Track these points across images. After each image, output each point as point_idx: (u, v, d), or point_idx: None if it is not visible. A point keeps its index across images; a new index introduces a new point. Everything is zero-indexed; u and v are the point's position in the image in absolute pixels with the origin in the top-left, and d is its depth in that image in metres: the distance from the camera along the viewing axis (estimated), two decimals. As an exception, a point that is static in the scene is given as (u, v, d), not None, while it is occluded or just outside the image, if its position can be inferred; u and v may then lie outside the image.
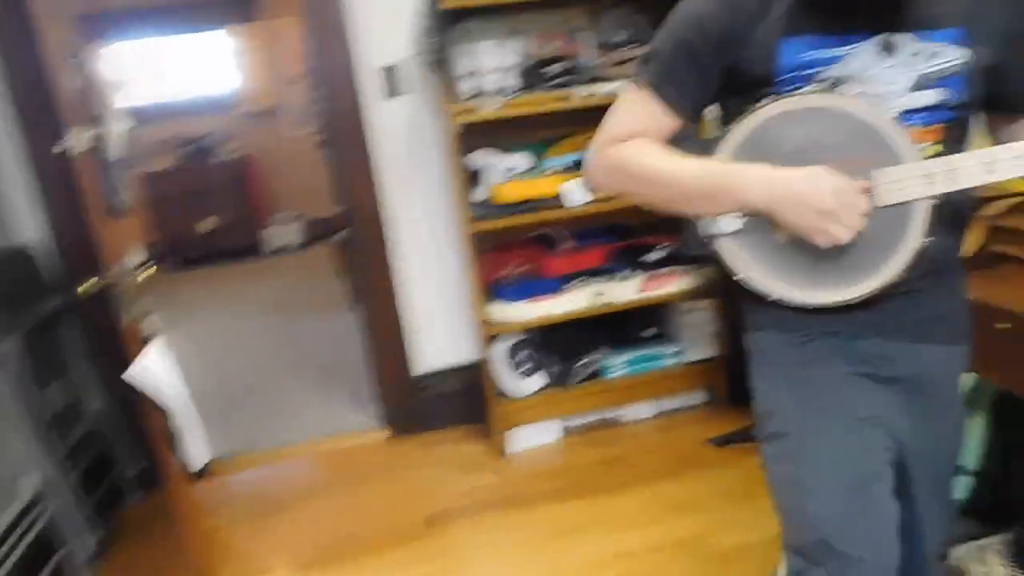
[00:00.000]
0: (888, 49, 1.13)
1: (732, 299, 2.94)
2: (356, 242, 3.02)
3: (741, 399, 3.00)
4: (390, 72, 2.85)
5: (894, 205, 1.11)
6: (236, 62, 6.90)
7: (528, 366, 2.98)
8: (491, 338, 2.89)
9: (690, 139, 1.33)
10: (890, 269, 1.15)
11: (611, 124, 1.30)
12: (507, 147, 2.90)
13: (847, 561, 1.16)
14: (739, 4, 1.17)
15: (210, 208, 6.67)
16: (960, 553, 1.42)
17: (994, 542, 1.41)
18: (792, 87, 1.15)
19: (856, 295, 1.18)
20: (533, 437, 3.01)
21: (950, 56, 1.12)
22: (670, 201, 1.26)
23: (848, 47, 1.13)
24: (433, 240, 3.07)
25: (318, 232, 6.78)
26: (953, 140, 1.17)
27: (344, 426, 3.35)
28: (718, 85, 1.23)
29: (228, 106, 6.93)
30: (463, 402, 3.16)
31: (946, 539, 1.37)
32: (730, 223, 1.21)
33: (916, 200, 1.11)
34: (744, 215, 1.19)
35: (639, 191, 1.28)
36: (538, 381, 2.99)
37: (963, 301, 1.31)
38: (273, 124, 7.03)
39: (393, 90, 2.86)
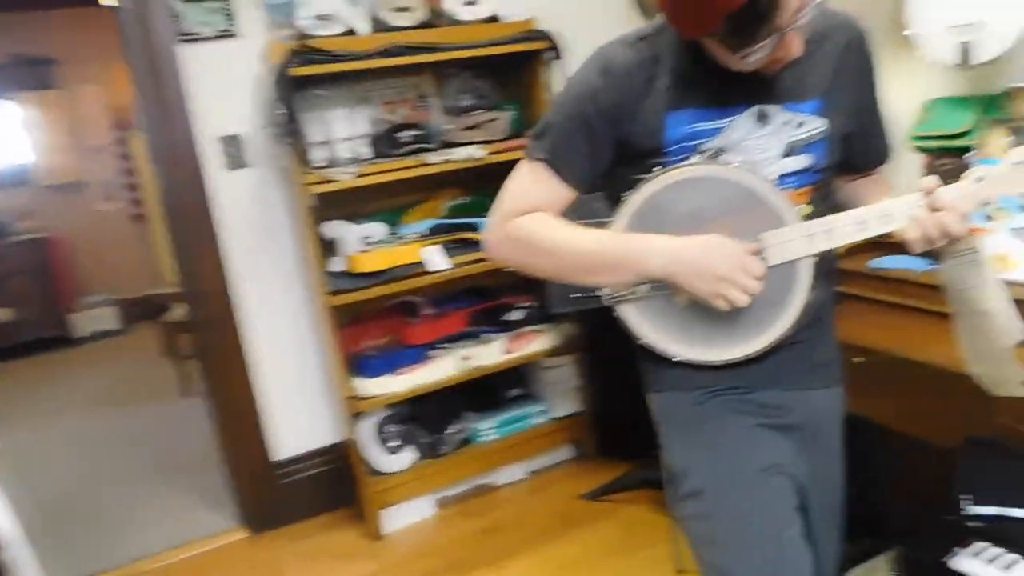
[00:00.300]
0: (762, 119, 1.21)
1: (589, 359, 3.03)
2: (201, 321, 2.80)
3: (608, 451, 3.11)
4: (232, 142, 2.70)
5: (782, 264, 1.18)
6: (31, 133, 6.30)
7: (397, 441, 2.87)
8: (356, 415, 2.77)
9: (585, 209, 1.36)
10: (782, 324, 1.22)
11: (508, 198, 1.31)
12: (357, 217, 2.83)
13: None
14: (628, 80, 1.21)
15: (6, 295, 5.96)
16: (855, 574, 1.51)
17: (881, 561, 1.50)
18: (679, 158, 1.21)
19: (754, 350, 1.24)
20: (408, 514, 2.89)
21: (813, 125, 1.22)
22: (574, 273, 1.29)
23: (727, 119, 1.21)
24: (286, 316, 2.91)
25: (137, 313, 6.26)
26: (820, 200, 1.27)
27: (197, 531, 3.03)
28: (610, 157, 1.26)
29: (24, 180, 6.29)
30: (330, 486, 2.99)
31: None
32: (631, 290, 1.24)
33: (801, 258, 1.18)
34: (645, 283, 1.23)
35: (542, 264, 1.30)
36: (409, 455, 2.88)
37: (838, 346, 1.41)
38: (78, 198, 6.46)
39: (237, 161, 2.72)
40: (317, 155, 2.56)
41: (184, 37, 2.59)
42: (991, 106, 1.97)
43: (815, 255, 1.19)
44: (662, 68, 1.21)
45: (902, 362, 1.62)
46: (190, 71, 2.62)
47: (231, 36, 2.66)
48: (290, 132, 2.39)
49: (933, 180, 1.12)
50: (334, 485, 2.98)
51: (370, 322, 2.94)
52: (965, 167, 1.16)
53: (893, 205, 1.14)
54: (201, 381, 3.04)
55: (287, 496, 2.96)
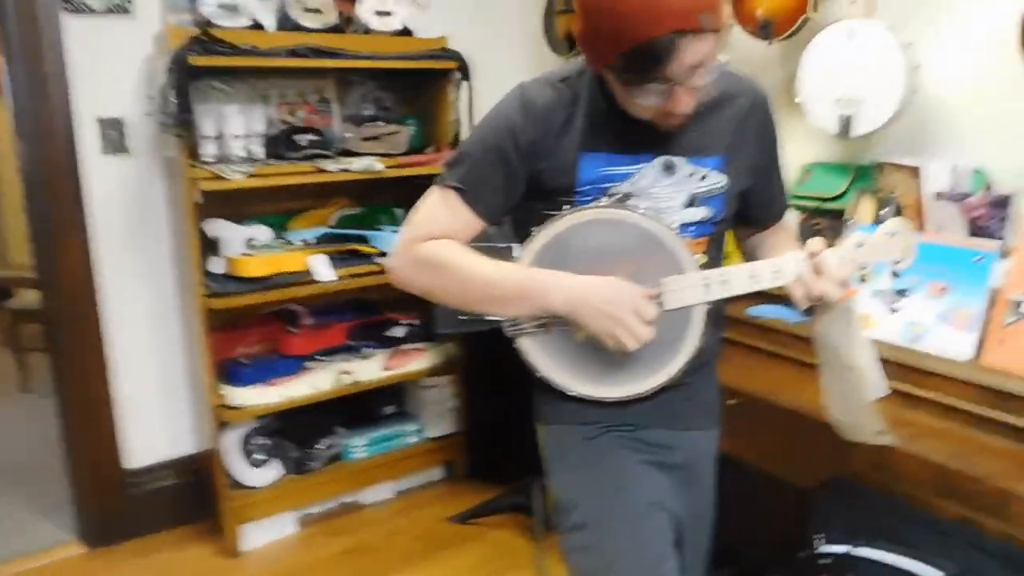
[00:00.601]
0: (668, 170, 1.27)
1: (468, 382, 3.03)
2: (56, 313, 2.59)
3: (479, 474, 3.11)
4: (113, 125, 2.54)
5: (677, 309, 1.24)
6: None
7: (263, 455, 2.75)
8: (223, 425, 2.63)
9: (492, 241, 1.38)
10: (673, 366, 1.28)
11: (417, 223, 1.31)
12: (242, 217, 2.72)
13: None
14: (547, 119, 1.25)
15: None
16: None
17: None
18: (589, 198, 1.26)
19: (644, 390, 1.29)
20: (268, 531, 2.77)
21: (715, 180, 1.30)
22: (477, 302, 1.29)
23: (636, 166, 1.26)
24: (154, 315, 2.75)
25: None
26: (714, 251, 1.35)
27: (27, 544, 2.75)
28: (522, 191, 1.29)
29: None
30: (185, 499, 2.83)
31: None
32: (532, 324, 1.28)
33: (695, 305, 1.25)
34: (545, 317, 1.26)
35: (445, 290, 1.30)
36: (274, 470, 2.77)
37: (719, 389, 1.49)
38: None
39: (116, 146, 2.55)
40: (207, 150, 2.44)
41: (70, 6, 2.42)
42: (863, 175, 2.15)
43: (709, 303, 1.25)
44: (580, 110, 1.25)
45: (771, 406, 1.73)
46: (73, 44, 2.45)
47: (124, 13, 2.51)
48: (182, 123, 2.27)
49: (819, 243, 1.21)
50: (190, 498, 2.82)
51: (245, 328, 2.82)
52: (839, 227, 1.26)
53: (783, 263, 1.22)
54: (50, 377, 2.79)
55: (136, 508, 2.77)
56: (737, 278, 1.23)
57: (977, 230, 1.76)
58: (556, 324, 1.28)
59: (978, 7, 1.97)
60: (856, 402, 1.29)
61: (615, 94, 1.20)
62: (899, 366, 1.64)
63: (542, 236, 1.25)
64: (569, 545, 1.34)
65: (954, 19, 2.03)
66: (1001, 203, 1.74)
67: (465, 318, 2.59)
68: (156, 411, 2.80)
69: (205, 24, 2.35)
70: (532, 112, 1.24)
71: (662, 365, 1.28)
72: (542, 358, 1.30)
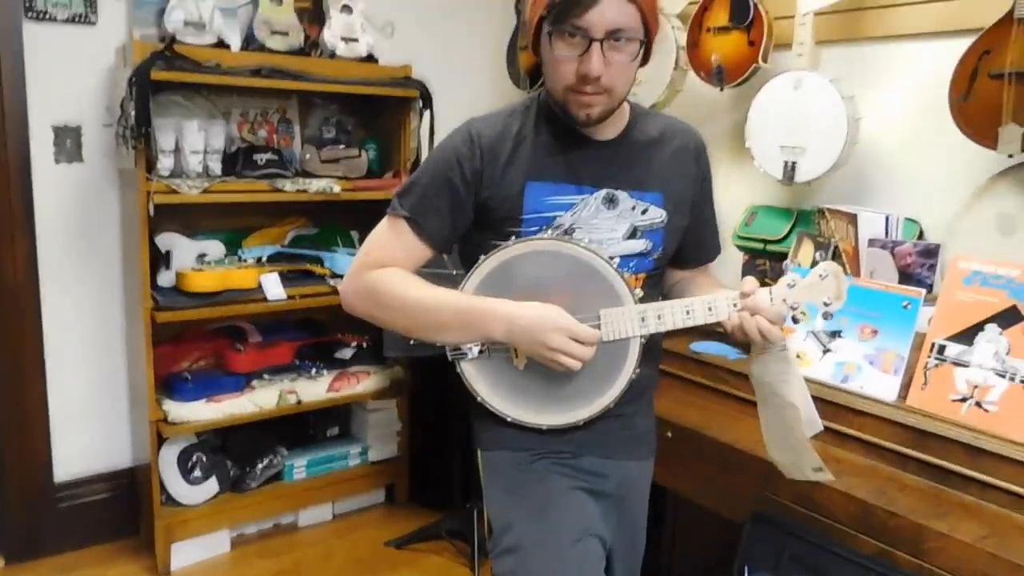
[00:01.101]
0: (610, 202, 1.33)
1: (412, 406, 3.03)
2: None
3: (419, 499, 3.10)
4: (68, 134, 2.52)
5: (614, 341, 1.28)
6: None
7: (199, 471, 2.71)
8: (162, 439, 2.59)
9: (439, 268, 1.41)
10: (608, 396, 1.33)
11: (367, 251, 1.36)
12: (194, 231, 2.71)
13: None
14: (492, 148, 1.31)
15: None
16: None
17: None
18: (534, 228, 1.31)
19: (580, 418, 1.34)
20: (200, 550, 2.71)
21: (655, 214, 1.35)
22: (422, 329, 1.33)
23: (580, 196, 1.32)
24: (95, 325, 2.70)
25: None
26: (651, 286, 1.40)
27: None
28: (470, 220, 1.34)
29: None
30: (115, 514, 2.76)
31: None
32: (473, 350, 1.32)
33: (632, 337, 1.29)
34: (486, 344, 1.31)
35: (392, 318, 1.34)
36: (211, 487, 2.73)
37: (654, 420, 1.53)
38: None
39: (69, 154, 2.53)
40: (164, 163, 2.43)
41: (33, 14, 2.41)
42: (805, 220, 2.24)
43: (644, 337, 1.29)
44: (527, 141, 1.31)
45: (706, 439, 1.77)
46: (33, 51, 2.44)
47: (87, 23, 2.51)
48: (140, 135, 2.26)
49: (753, 283, 1.26)
50: (120, 513, 2.76)
51: (191, 343, 2.79)
52: (781, 270, 1.32)
53: (716, 300, 1.27)
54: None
55: (63, 522, 2.69)
56: (672, 313, 1.28)
57: (907, 277, 1.84)
58: (496, 351, 1.32)
59: (913, 65, 2.09)
60: (794, 440, 1.33)
61: (546, 59, 1.27)
62: (830, 404, 1.69)
63: (486, 265, 1.30)
64: (500, 569, 1.36)
65: (892, 75, 2.14)
66: (930, 252, 1.83)
67: (414, 343, 2.59)
68: (91, 423, 2.75)
69: (170, 39, 2.35)
70: (479, 143, 1.30)
71: (598, 395, 1.32)
72: (482, 384, 1.35)
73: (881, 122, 2.14)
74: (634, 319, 1.27)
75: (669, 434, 1.81)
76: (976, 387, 1.54)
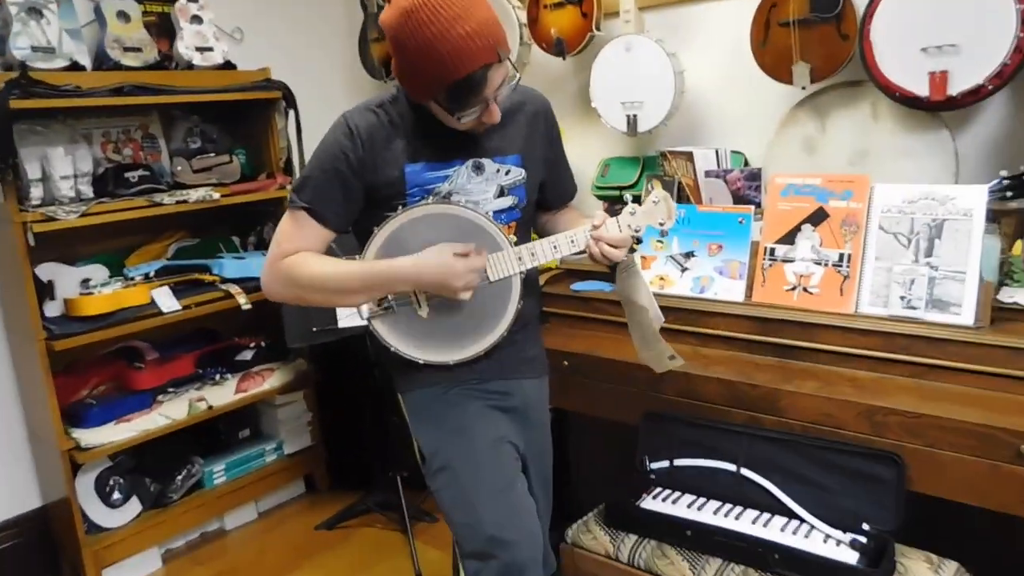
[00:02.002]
0: (478, 169, 1.55)
1: (319, 395, 3.16)
2: None
3: (340, 483, 3.23)
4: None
5: (498, 280, 1.52)
6: None
7: (119, 494, 2.73)
8: (76, 469, 2.59)
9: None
10: (501, 327, 1.57)
11: (277, 243, 1.54)
12: (72, 259, 2.70)
13: (510, 546, 1.50)
14: (370, 140, 1.49)
15: None
16: (571, 530, 1.86)
17: (591, 516, 1.87)
18: (417, 199, 1.52)
19: (481, 350, 1.58)
20: (133, 571, 2.75)
21: (516, 174, 1.59)
22: (338, 298, 1.56)
23: (452, 168, 1.53)
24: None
25: None
26: (522, 233, 1.64)
27: None
28: (362, 201, 1.53)
29: None
30: (29, 559, 2.73)
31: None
32: (380, 307, 1.54)
33: (512, 275, 1.53)
34: (394, 298, 1.53)
35: (310, 296, 1.55)
36: (132, 507, 2.76)
37: (542, 344, 1.78)
38: None
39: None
40: (34, 193, 2.43)
41: None
42: (651, 164, 2.55)
43: (523, 272, 1.54)
44: (398, 130, 1.51)
45: (595, 360, 2.04)
46: None
47: (-81, 58, 2.45)
48: (7, 168, 2.26)
49: (602, 215, 1.53)
50: (36, 556, 2.74)
51: (85, 372, 2.78)
52: (624, 204, 1.59)
53: (576, 234, 1.53)
54: None
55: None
56: (542, 249, 1.53)
57: (739, 199, 2.17)
58: (401, 304, 1.53)
59: (721, 21, 2.42)
60: (650, 335, 1.61)
61: (436, 114, 1.46)
62: (692, 312, 2.01)
63: (381, 234, 1.51)
64: (436, 486, 1.58)
65: (705, 32, 2.47)
66: (754, 176, 2.17)
67: (316, 329, 2.74)
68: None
69: (21, 66, 2.35)
70: (357, 134, 1.48)
71: (492, 328, 1.57)
72: (393, 336, 1.56)
73: (701, 72, 2.46)
74: (512, 259, 1.51)
75: (565, 363, 2.07)
76: (801, 276, 1.89)
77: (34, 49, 2.42)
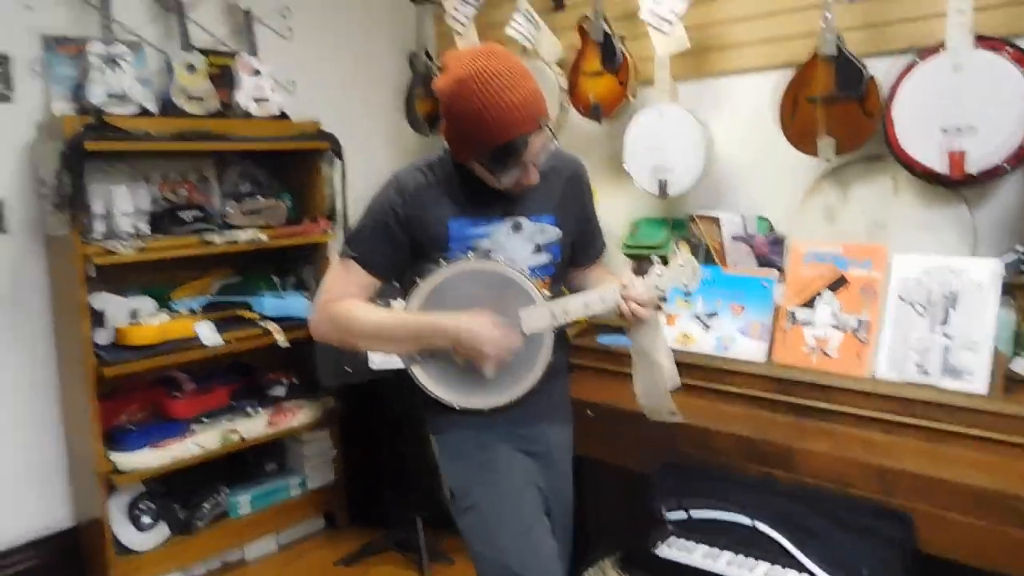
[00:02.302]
0: (516, 228, 1.66)
1: (345, 433, 3.24)
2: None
3: (359, 520, 3.29)
4: (-7, 206, 2.64)
5: (532, 334, 1.61)
6: None
7: (149, 518, 2.82)
8: (111, 490, 2.69)
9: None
10: (532, 377, 1.66)
11: (327, 287, 1.67)
12: (121, 290, 2.84)
13: None
14: (418, 198, 1.62)
15: None
16: (587, 574, 1.92)
17: (607, 562, 1.93)
18: (460, 253, 1.63)
19: (512, 398, 1.67)
20: (155, 596, 2.82)
21: (551, 232, 1.69)
22: (379, 345, 1.73)
23: (491, 226, 1.64)
24: (27, 390, 2.78)
25: None
26: (556, 288, 1.75)
27: None
28: (407, 253, 1.65)
29: None
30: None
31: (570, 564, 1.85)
32: (420, 355, 1.64)
33: (545, 329, 1.62)
34: (433, 351, 1.63)
35: (353, 340, 1.68)
36: (160, 532, 2.85)
37: (569, 394, 1.87)
38: None
39: (-4, 225, 2.65)
40: (97, 227, 2.59)
41: (-48, 93, 2.54)
42: (679, 226, 2.65)
43: (555, 327, 1.63)
44: (444, 189, 1.63)
45: (620, 412, 2.11)
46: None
47: (4, 100, 2.64)
48: (76, 203, 2.42)
49: (630, 276, 1.63)
50: (66, 574, 2.81)
51: (126, 397, 2.90)
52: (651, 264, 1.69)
53: (605, 292, 1.62)
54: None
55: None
56: (575, 307, 1.62)
57: (763, 262, 2.26)
58: (441, 353, 1.63)
59: (750, 93, 2.54)
60: (659, 390, 1.69)
61: (479, 174, 1.59)
62: (714, 370, 2.09)
63: (425, 286, 1.62)
64: (463, 524, 1.67)
65: (735, 102, 2.60)
66: (778, 241, 2.26)
67: (348, 370, 2.84)
68: (26, 488, 2.79)
69: (97, 112, 2.53)
70: (406, 193, 1.61)
71: (524, 377, 1.66)
72: (431, 382, 1.66)
73: (730, 141, 2.59)
74: (546, 315, 1.61)
75: (589, 412, 2.15)
76: (820, 340, 1.98)
77: (109, 96, 2.61)
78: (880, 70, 2.10)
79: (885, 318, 1.91)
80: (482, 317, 1.56)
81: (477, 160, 1.55)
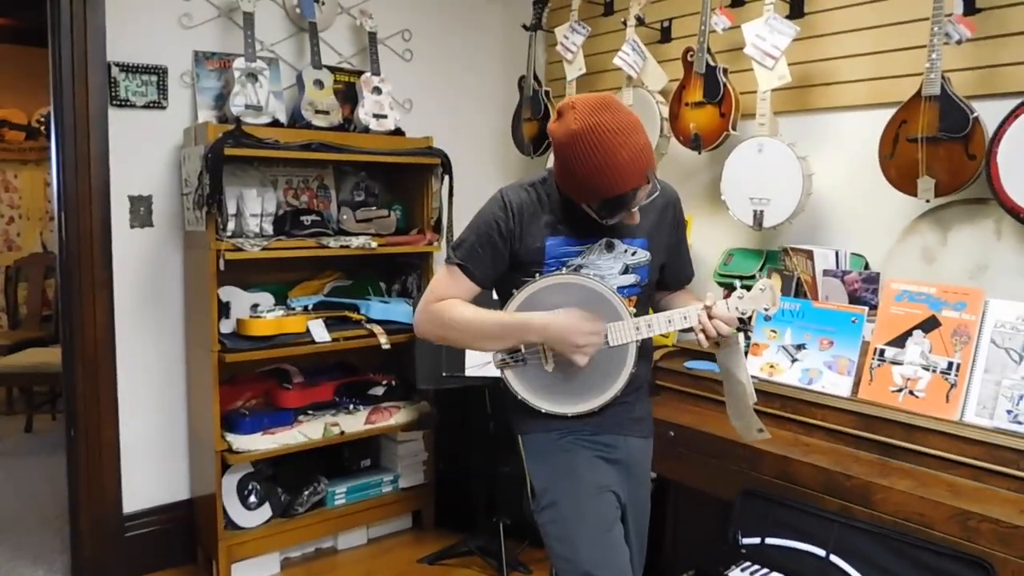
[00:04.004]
0: (609, 248, 1.76)
1: (438, 438, 3.39)
2: (76, 371, 2.90)
3: (444, 523, 3.44)
4: (141, 202, 2.93)
5: (617, 346, 1.71)
6: None
7: (255, 498, 3.05)
8: (225, 468, 2.94)
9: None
10: (615, 388, 1.76)
11: (432, 289, 1.80)
12: (246, 285, 3.10)
13: None
14: (520, 214, 1.74)
15: None
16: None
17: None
18: (553, 269, 1.75)
19: (595, 406, 1.77)
20: (256, 570, 3.04)
21: (641, 256, 1.79)
22: (476, 341, 1.80)
23: (586, 245, 1.75)
24: (160, 370, 3.07)
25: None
26: (641, 306, 1.83)
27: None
28: (506, 265, 1.77)
29: None
30: (173, 543, 3.10)
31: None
32: (512, 359, 1.76)
33: (629, 342, 1.71)
34: (524, 351, 1.74)
35: (452, 336, 1.78)
36: (264, 512, 3.07)
37: (650, 409, 1.94)
38: None
39: (142, 220, 2.94)
40: (228, 225, 2.85)
41: (116, 101, 2.85)
42: (772, 258, 2.69)
43: (639, 341, 1.73)
44: (545, 208, 1.74)
45: (700, 435, 2.18)
46: (114, 132, 2.86)
47: (159, 108, 2.95)
48: (215, 202, 2.69)
49: (712, 296, 1.70)
50: (177, 542, 3.10)
51: (243, 384, 3.15)
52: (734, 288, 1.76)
53: (689, 311, 1.70)
54: (67, 428, 3.06)
55: (128, 551, 3.01)
56: (658, 322, 1.71)
57: (855, 299, 2.27)
58: (531, 359, 1.75)
59: (851, 130, 2.56)
60: (743, 407, 1.75)
61: (584, 208, 1.68)
62: (798, 402, 2.12)
63: (520, 296, 1.74)
64: (543, 520, 1.78)
65: (835, 139, 2.61)
66: (872, 279, 2.27)
67: (445, 375, 3.00)
68: (155, 459, 3.09)
69: (236, 121, 2.80)
70: (510, 208, 1.73)
71: (608, 387, 1.76)
72: (521, 385, 1.78)
73: (829, 177, 2.60)
74: (631, 329, 1.70)
75: (671, 433, 2.22)
76: (908, 379, 1.98)
77: (247, 107, 2.87)
78: (986, 113, 2.09)
79: (977, 362, 1.90)
80: (572, 312, 1.67)
81: (585, 204, 1.66)
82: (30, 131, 6.31)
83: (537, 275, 1.73)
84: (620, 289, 1.74)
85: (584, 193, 1.63)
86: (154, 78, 2.91)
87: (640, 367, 1.77)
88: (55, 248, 2.97)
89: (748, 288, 1.71)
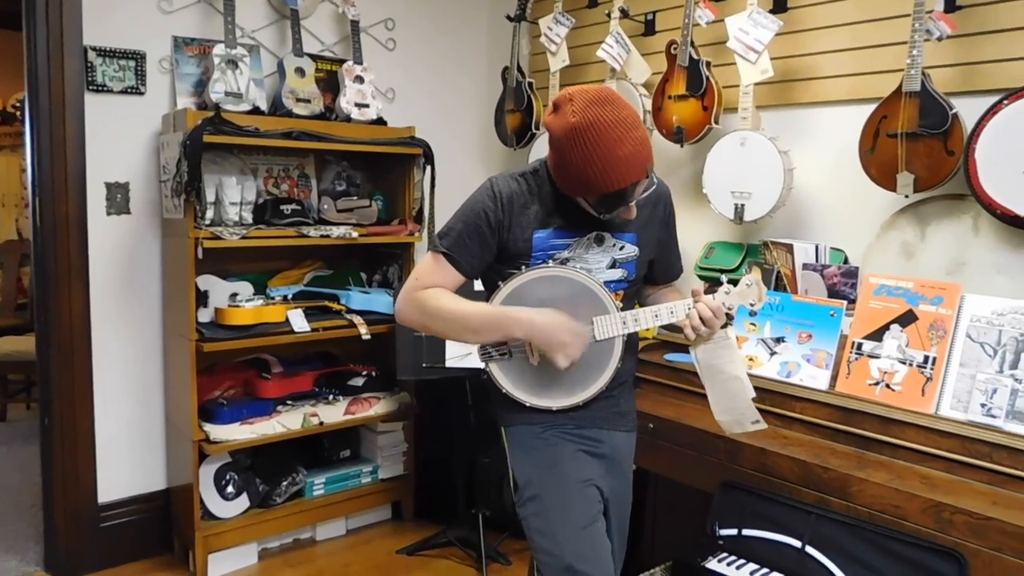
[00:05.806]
0: (598, 241, 1.76)
1: (418, 429, 3.39)
2: (51, 360, 2.86)
3: (424, 513, 3.44)
4: (118, 189, 2.89)
5: (603, 340, 1.71)
6: None
7: (233, 488, 3.03)
8: (203, 458, 2.92)
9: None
10: (601, 381, 1.76)
11: (416, 277, 1.77)
12: (225, 274, 3.07)
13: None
14: (509, 204, 1.72)
15: None
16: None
17: (658, 570, 2.00)
18: (540, 261, 1.73)
19: (580, 400, 1.76)
20: (233, 562, 3.02)
21: (629, 251, 1.78)
22: (459, 333, 1.76)
23: (575, 238, 1.74)
24: (136, 359, 3.04)
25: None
26: (628, 301, 1.83)
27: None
28: (493, 256, 1.75)
29: None
30: (149, 532, 3.08)
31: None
32: (497, 352, 1.74)
33: (615, 336, 1.71)
34: (509, 345, 1.72)
35: (435, 325, 1.75)
36: (242, 503, 3.05)
37: (635, 403, 1.94)
38: None
39: (119, 207, 2.90)
40: (207, 214, 2.81)
41: (93, 86, 2.81)
42: (753, 251, 2.70)
43: (625, 335, 1.72)
44: (534, 199, 1.73)
45: (682, 428, 2.18)
46: (91, 117, 2.82)
47: (137, 93, 2.91)
48: (193, 189, 2.65)
49: (699, 291, 1.70)
50: (154, 532, 3.07)
51: (221, 374, 3.12)
52: (720, 283, 1.76)
53: (676, 305, 1.71)
54: (41, 417, 3.02)
55: (104, 540, 2.99)
56: (644, 316, 1.72)
57: (833, 293, 2.29)
58: (516, 352, 1.73)
59: (832, 125, 2.57)
60: (739, 403, 1.75)
61: (579, 202, 1.67)
62: (777, 395, 2.13)
63: (507, 288, 1.72)
64: (524, 513, 1.77)
65: (817, 133, 2.62)
66: (851, 273, 2.29)
67: (425, 365, 2.99)
68: (131, 449, 3.06)
69: (215, 108, 2.76)
70: (499, 198, 1.71)
71: (593, 381, 1.75)
72: (506, 379, 1.77)
73: (810, 171, 2.62)
74: (617, 322, 1.70)
75: (651, 425, 2.22)
76: (885, 373, 2.00)
77: (227, 94, 2.84)
78: (966, 109, 2.11)
79: (953, 356, 1.92)
80: (558, 314, 1.66)
81: (582, 198, 1.64)
82: (5, 116, 6.22)
83: (524, 267, 1.71)
84: (607, 284, 1.74)
85: (582, 188, 1.61)
86: (132, 63, 2.87)
87: (626, 361, 1.77)
88: (30, 235, 2.92)
89: (734, 283, 1.71)
